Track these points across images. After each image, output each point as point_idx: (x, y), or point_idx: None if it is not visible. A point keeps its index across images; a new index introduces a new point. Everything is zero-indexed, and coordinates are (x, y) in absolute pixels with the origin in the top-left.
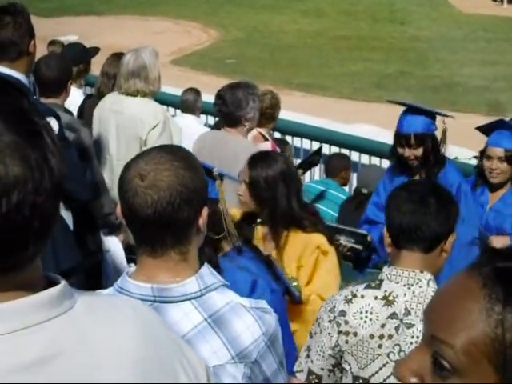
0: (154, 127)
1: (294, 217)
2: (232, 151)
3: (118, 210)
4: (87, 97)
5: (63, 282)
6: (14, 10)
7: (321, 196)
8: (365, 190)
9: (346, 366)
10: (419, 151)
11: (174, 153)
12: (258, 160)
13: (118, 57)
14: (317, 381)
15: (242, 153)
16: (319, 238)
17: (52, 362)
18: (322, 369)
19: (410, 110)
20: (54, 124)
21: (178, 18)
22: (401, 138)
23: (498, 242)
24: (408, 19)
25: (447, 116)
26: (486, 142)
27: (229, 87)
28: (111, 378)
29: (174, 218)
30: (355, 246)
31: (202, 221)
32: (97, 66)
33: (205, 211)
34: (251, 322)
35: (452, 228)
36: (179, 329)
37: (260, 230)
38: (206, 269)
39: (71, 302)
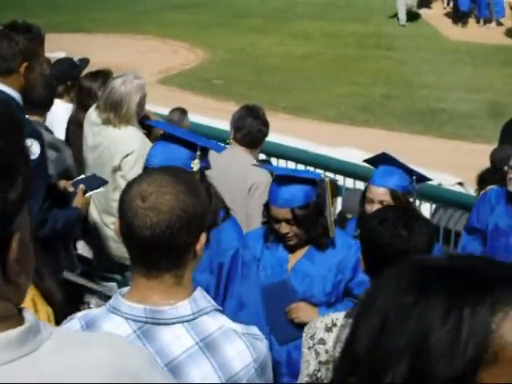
0: (128, 155)
1: None
2: (242, 171)
3: (117, 227)
4: (71, 121)
5: (29, 323)
6: (20, 29)
7: None
8: (349, 215)
9: None
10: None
11: (176, 176)
12: None
13: (90, 79)
14: None
15: (252, 172)
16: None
17: None
18: None
19: None
20: (36, 146)
21: (166, 37)
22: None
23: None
24: (394, 44)
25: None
26: None
27: (251, 110)
28: None
29: (171, 242)
30: None
31: (200, 246)
32: None
33: (203, 236)
34: (242, 347)
35: (431, 251)
36: (170, 351)
37: None
38: (200, 292)
39: (36, 343)
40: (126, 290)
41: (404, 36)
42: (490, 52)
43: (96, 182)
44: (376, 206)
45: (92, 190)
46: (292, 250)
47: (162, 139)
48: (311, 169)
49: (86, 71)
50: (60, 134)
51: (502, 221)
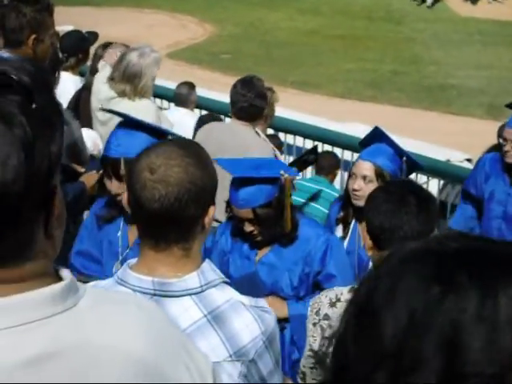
0: None
1: None
2: (241, 145)
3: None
4: (84, 87)
5: (69, 278)
6: (28, 0)
7: (315, 195)
8: None
9: None
10: None
11: (185, 148)
12: None
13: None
14: (301, 376)
15: (253, 146)
16: None
17: (50, 360)
18: (304, 366)
19: None
20: None
21: (174, 11)
22: None
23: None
24: (404, 20)
25: None
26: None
27: (246, 82)
28: (108, 377)
29: (179, 215)
30: None
31: (208, 219)
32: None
33: (211, 209)
34: (250, 320)
35: (434, 226)
36: (178, 324)
37: None
38: (207, 265)
39: (75, 299)
40: (133, 261)
41: (413, 11)
42: (500, 29)
43: None
44: (358, 182)
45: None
46: (259, 246)
47: (120, 127)
48: (319, 144)
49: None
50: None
51: (498, 189)
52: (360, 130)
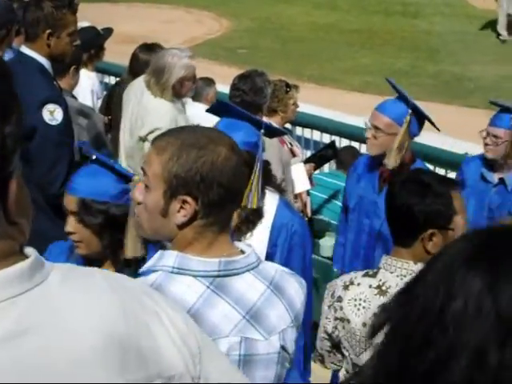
0: (154, 130)
1: None
2: None
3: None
4: (117, 83)
5: (34, 255)
6: None
7: (334, 190)
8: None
9: (345, 352)
10: None
11: (215, 132)
12: None
13: (146, 51)
14: (320, 358)
15: None
16: None
17: (23, 336)
18: (321, 349)
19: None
20: (59, 112)
21: (190, 6)
22: None
23: None
24: (421, 13)
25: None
26: None
27: (244, 77)
28: (80, 351)
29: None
30: None
31: None
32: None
33: None
34: (297, 286)
35: (426, 223)
36: (248, 299)
37: None
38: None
39: (43, 275)
40: (189, 249)
41: (430, 4)
42: None
43: None
44: None
45: None
46: None
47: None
48: (337, 138)
49: (110, 40)
50: (84, 102)
51: (366, 195)
52: None
